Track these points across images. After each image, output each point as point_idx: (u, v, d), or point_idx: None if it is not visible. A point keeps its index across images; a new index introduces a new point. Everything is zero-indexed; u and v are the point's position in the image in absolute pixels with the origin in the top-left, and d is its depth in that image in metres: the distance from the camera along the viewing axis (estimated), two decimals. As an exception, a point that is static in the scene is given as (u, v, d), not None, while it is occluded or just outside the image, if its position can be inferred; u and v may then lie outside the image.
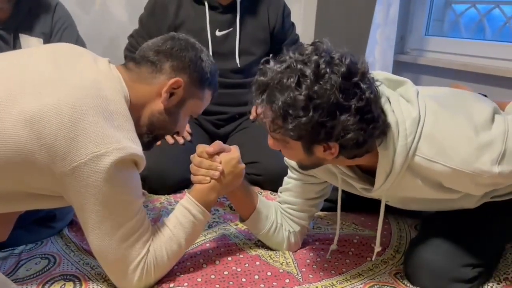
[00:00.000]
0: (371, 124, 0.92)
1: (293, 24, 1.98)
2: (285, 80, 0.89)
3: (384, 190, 1.04)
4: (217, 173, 1.09)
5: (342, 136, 0.90)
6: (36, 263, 1.12)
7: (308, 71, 0.88)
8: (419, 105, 0.98)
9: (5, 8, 1.53)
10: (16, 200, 0.99)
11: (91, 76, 0.96)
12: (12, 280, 1.02)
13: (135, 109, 1.03)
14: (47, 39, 1.63)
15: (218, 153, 1.11)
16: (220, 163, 1.09)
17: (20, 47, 1.57)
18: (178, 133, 1.17)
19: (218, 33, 1.81)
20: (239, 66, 1.82)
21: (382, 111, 0.96)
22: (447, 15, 2.33)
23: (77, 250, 1.20)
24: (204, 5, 1.79)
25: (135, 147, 0.95)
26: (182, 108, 1.10)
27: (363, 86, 0.90)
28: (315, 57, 0.90)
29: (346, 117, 0.89)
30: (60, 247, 1.21)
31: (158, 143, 1.36)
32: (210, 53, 1.76)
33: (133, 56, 1.11)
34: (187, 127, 1.74)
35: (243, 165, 1.13)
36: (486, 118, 0.98)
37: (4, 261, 1.12)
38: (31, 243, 1.21)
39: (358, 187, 1.09)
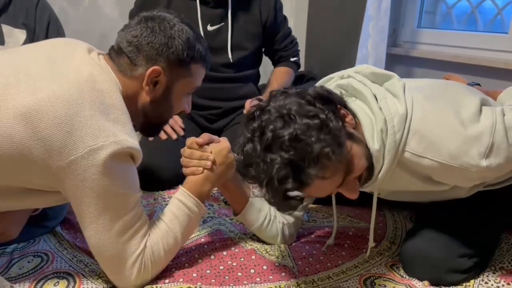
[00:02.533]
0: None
1: (285, 18, 1.97)
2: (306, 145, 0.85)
3: (375, 186, 1.04)
4: (209, 163, 1.08)
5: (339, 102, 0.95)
6: (28, 262, 1.11)
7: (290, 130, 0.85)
8: (405, 100, 0.99)
9: None
10: (13, 196, 0.98)
11: (86, 70, 0.95)
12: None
13: (127, 100, 1.01)
14: (31, 33, 1.58)
15: (208, 144, 1.11)
16: (211, 153, 1.09)
17: (2, 38, 1.54)
18: (183, 112, 1.15)
19: (209, 27, 1.79)
20: (231, 61, 1.81)
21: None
22: (439, 7, 2.33)
23: (70, 248, 1.19)
24: (195, -1, 1.77)
25: (131, 140, 0.94)
26: (172, 93, 1.07)
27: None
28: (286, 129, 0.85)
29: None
30: (53, 245, 1.20)
31: (150, 138, 1.34)
32: None
33: (113, 45, 1.08)
34: (180, 122, 1.73)
35: (234, 155, 1.13)
36: (473, 111, 0.98)
37: (-4, 260, 1.11)
38: (23, 242, 1.20)
39: None
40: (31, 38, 1.57)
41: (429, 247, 1.10)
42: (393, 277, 1.12)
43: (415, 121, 0.97)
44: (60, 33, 1.65)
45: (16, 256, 1.13)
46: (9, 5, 1.55)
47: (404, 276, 1.12)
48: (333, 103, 0.92)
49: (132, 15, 1.84)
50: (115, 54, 1.05)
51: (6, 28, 1.54)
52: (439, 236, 1.11)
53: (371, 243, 1.12)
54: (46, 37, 1.61)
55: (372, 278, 1.11)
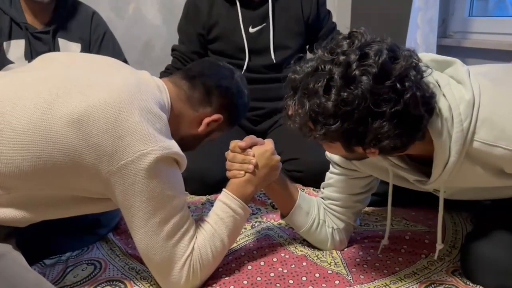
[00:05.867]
0: (411, 127, 0.85)
1: (329, 12, 1.91)
2: (311, 86, 0.85)
3: (441, 181, 0.97)
4: (251, 166, 1.08)
5: (375, 144, 0.84)
6: (82, 270, 1.13)
7: (337, 75, 0.82)
8: (472, 86, 0.91)
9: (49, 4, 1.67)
10: (63, 204, 1.00)
11: (133, 81, 1.00)
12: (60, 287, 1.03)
13: (172, 123, 1.04)
14: (86, 46, 1.74)
15: (251, 147, 1.11)
16: (254, 156, 1.09)
17: (59, 51, 1.66)
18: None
19: (251, 29, 1.78)
20: (274, 61, 1.79)
21: (430, 106, 0.88)
22: (492, -7, 2.20)
23: (122, 255, 1.20)
24: (236, 2, 1.76)
25: (177, 146, 0.98)
26: (208, 137, 1.17)
27: (400, 87, 0.81)
28: (344, 57, 0.83)
29: (380, 123, 0.82)
30: (105, 252, 1.21)
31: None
32: (246, 50, 1.74)
33: (191, 74, 1.13)
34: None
35: (278, 157, 1.12)
36: None
37: (52, 268, 1.13)
38: (77, 250, 1.22)
39: (411, 180, 1.02)
40: (86, 50, 1.73)
41: (494, 251, 1.02)
42: (456, 284, 1.05)
43: (484, 108, 0.89)
44: (115, 47, 1.81)
45: (70, 264, 1.15)
46: (67, 21, 1.72)
47: (468, 283, 1.05)
48: None
49: (181, 28, 1.85)
50: (188, 84, 1.11)
51: (62, 42, 1.72)
52: (503, 237, 1.03)
53: (440, 245, 1.05)
54: (100, 47, 1.78)
55: (433, 285, 1.05)
